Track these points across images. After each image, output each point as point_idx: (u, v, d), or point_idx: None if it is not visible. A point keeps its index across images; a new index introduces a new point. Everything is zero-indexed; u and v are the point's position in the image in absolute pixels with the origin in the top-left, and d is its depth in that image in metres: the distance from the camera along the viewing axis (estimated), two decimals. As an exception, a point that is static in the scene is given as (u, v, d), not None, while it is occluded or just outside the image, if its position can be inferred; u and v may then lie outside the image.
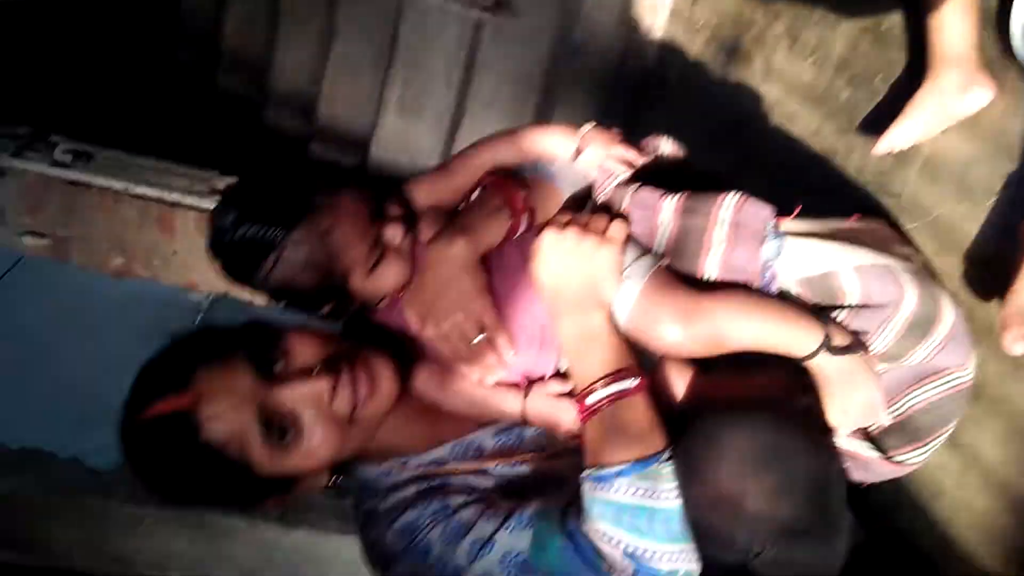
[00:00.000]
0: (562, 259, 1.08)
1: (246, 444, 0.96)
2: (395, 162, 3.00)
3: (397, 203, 1.21)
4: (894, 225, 1.35)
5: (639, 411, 1.00)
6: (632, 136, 1.29)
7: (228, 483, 0.98)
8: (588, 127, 1.26)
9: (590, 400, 1.02)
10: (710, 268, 1.12)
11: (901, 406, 1.17)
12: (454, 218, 1.18)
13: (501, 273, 1.16)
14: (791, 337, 1.03)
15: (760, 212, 1.11)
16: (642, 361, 1.08)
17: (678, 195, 1.15)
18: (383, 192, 1.20)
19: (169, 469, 0.98)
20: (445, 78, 2.90)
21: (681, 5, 2.36)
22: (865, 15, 1.51)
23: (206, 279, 3.05)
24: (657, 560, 0.92)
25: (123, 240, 3.00)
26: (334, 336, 1.11)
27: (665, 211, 1.14)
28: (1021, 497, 1.23)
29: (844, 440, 1.16)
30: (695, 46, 2.17)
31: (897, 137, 1.32)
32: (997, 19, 1.22)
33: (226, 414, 0.95)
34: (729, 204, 1.12)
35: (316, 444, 1.00)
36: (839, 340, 1.03)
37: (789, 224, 1.14)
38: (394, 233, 1.15)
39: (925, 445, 1.17)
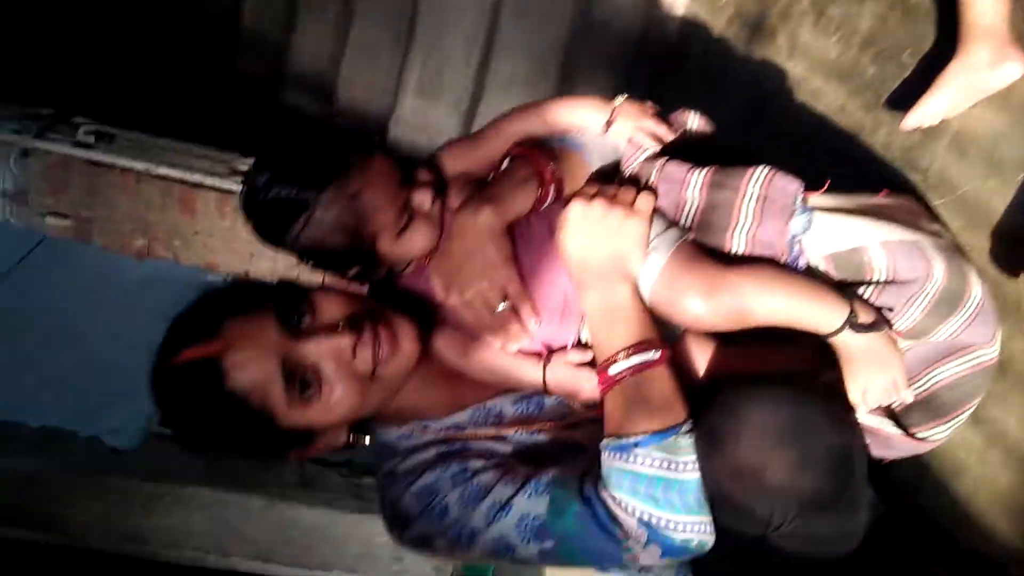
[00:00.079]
0: (589, 230, 1.08)
1: (269, 394, 0.99)
2: (414, 143, 3.00)
3: (427, 170, 1.22)
4: (922, 201, 1.34)
5: (661, 383, 1.01)
6: (657, 114, 1.28)
7: (250, 431, 1.01)
8: (621, 99, 1.26)
9: (612, 371, 1.03)
10: (737, 242, 1.12)
11: (925, 383, 1.17)
12: (482, 187, 1.19)
13: (527, 243, 1.17)
14: (816, 313, 1.03)
15: (789, 186, 1.11)
16: (665, 334, 1.08)
17: (706, 169, 1.14)
18: (413, 161, 1.21)
19: (195, 414, 1.01)
20: (464, 58, 2.89)
21: (703, -18, 2.34)
22: (893, -10, 1.50)
23: (227, 260, 3.07)
24: (670, 529, 0.93)
25: (145, 221, 3.02)
26: (360, 296, 1.15)
27: (693, 185, 1.14)
28: (1046, 474, 1.23)
29: (866, 416, 1.16)
30: (718, 23, 2.16)
31: (926, 112, 1.31)
32: (1029, -8, 1.21)
33: (251, 363, 0.98)
34: (758, 178, 1.11)
35: (336, 399, 1.02)
36: (864, 317, 1.03)
37: (817, 199, 1.14)
38: (423, 198, 1.16)
39: (948, 422, 1.17)
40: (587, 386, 1.13)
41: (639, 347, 1.03)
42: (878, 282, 1.09)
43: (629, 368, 1.02)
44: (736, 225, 1.11)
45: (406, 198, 1.14)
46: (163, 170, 2.91)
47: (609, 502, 0.95)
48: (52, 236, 3.21)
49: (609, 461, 0.97)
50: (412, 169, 1.19)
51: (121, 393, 4.01)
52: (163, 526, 3.74)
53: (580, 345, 1.17)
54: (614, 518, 0.95)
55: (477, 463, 1.06)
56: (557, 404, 1.17)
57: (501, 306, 1.12)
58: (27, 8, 3.37)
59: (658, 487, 0.93)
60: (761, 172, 1.12)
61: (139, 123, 3.05)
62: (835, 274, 1.11)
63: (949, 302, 1.09)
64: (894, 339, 1.07)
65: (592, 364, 1.11)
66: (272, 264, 2.85)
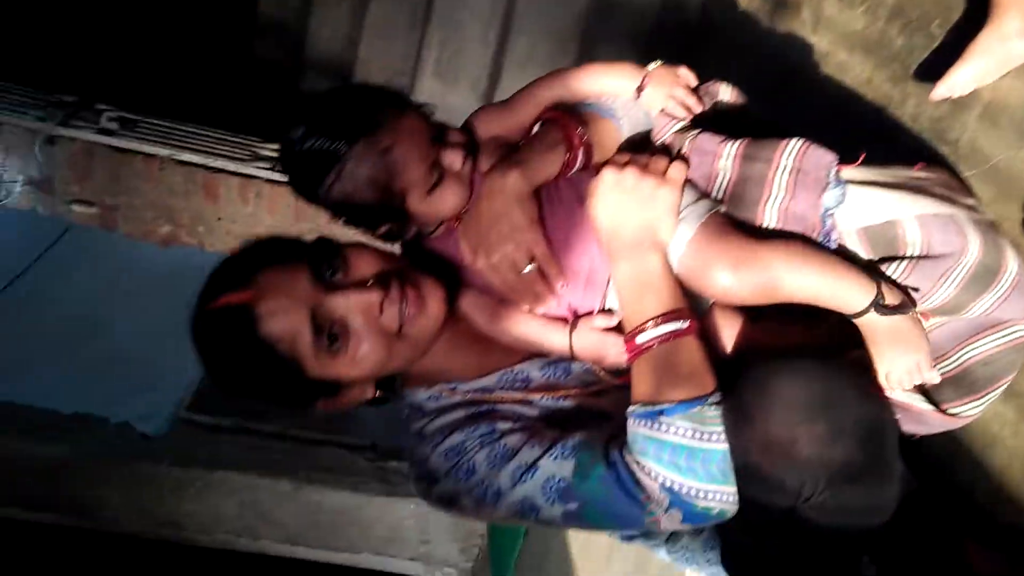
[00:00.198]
0: (620, 199, 1.08)
1: (297, 343, 1.02)
2: (433, 125, 3.00)
3: (459, 132, 1.23)
4: (957, 175, 1.32)
5: (689, 353, 1.02)
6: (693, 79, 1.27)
7: (279, 378, 1.04)
8: (654, 65, 1.25)
9: (640, 339, 1.04)
10: (769, 215, 1.10)
11: (958, 359, 1.15)
12: (512, 152, 1.19)
13: (556, 208, 1.17)
14: (843, 292, 1.02)
15: (823, 159, 1.09)
16: (693, 307, 1.08)
17: (739, 141, 1.13)
18: (446, 124, 1.22)
19: (228, 359, 1.05)
20: (481, 39, 2.88)
21: (724, -44, 2.30)
22: (921, -42, 1.47)
23: (250, 246, 3.08)
24: (692, 497, 0.94)
25: (169, 208, 3.05)
26: (392, 256, 1.16)
27: (725, 157, 1.13)
28: (1080, 448, 1.21)
29: (898, 392, 1.14)
30: (740, -3, 2.13)
31: (956, 82, 1.28)
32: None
33: (282, 312, 1.01)
34: (792, 150, 1.10)
35: (362, 353, 1.05)
36: (890, 299, 1.02)
37: (852, 172, 1.12)
38: (454, 158, 1.16)
39: (981, 398, 1.16)
40: (613, 352, 1.14)
41: (668, 316, 1.03)
42: (912, 257, 1.08)
43: (657, 337, 1.02)
44: (768, 198, 1.10)
45: (437, 156, 1.15)
46: (186, 156, 2.93)
47: (633, 467, 0.97)
48: (77, 224, 3.25)
49: (635, 427, 0.98)
50: (445, 130, 1.20)
51: (150, 380, 4.07)
52: (194, 511, 3.80)
53: (606, 312, 1.17)
54: (638, 482, 0.96)
55: (504, 425, 1.07)
56: (583, 371, 1.19)
57: (527, 268, 1.13)
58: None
59: (682, 455, 0.94)
60: (795, 144, 1.10)
61: (160, 109, 3.07)
62: (868, 248, 1.09)
63: (984, 277, 1.07)
64: (919, 321, 1.05)
65: (618, 330, 1.11)
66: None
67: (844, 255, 1.09)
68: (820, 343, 1.11)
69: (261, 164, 2.95)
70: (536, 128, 1.22)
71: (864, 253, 1.10)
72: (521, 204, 1.13)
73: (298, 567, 4.06)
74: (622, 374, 1.11)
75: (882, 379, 1.07)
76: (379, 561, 4.03)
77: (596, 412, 1.13)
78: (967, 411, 1.16)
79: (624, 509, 0.97)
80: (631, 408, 1.00)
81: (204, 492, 3.79)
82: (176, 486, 3.77)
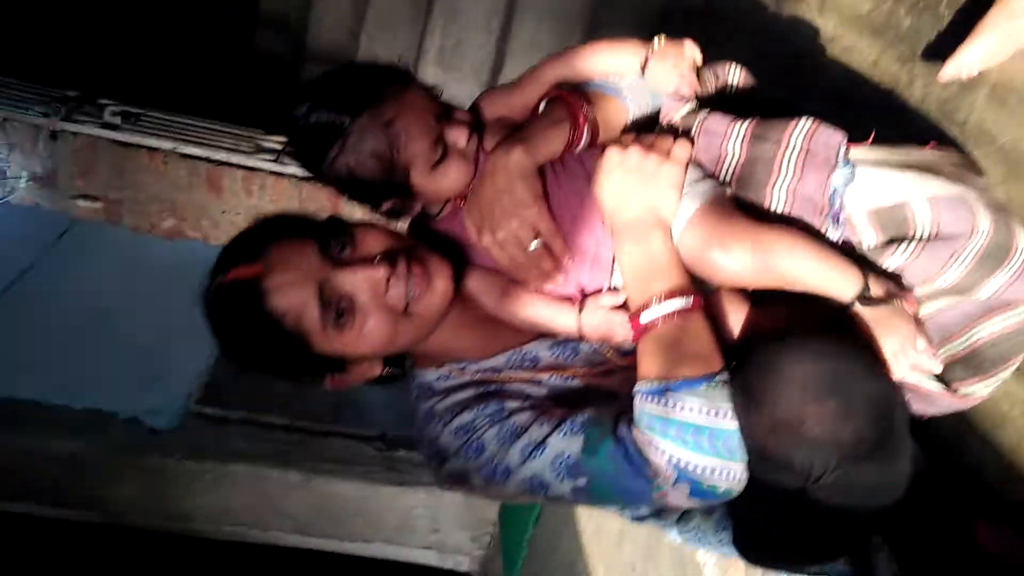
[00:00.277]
0: (624, 177, 1.09)
1: (304, 317, 1.04)
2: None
3: (465, 111, 1.23)
4: (968, 155, 1.32)
5: (694, 330, 1.02)
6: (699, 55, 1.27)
7: (286, 352, 1.06)
8: (659, 40, 1.25)
9: (645, 317, 1.04)
10: (777, 196, 1.10)
11: (967, 339, 1.15)
12: (516, 130, 1.20)
13: (562, 186, 1.18)
14: (833, 280, 1.03)
15: (832, 139, 1.09)
16: (700, 288, 1.08)
17: (747, 122, 1.13)
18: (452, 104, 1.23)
19: (237, 332, 1.07)
20: (484, 26, 2.87)
21: (728, -62, 2.29)
22: (927, -62, 1.46)
23: (255, 239, 3.08)
24: (698, 473, 0.95)
25: (173, 201, 3.05)
26: (400, 235, 1.17)
27: (734, 138, 1.13)
28: (1091, 426, 1.22)
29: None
30: (746, -20, 2.12)
31: (964, 62, 1.28)
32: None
33: (289, 287, 1.03)
34: (801, 130, 1.10)
35: (368, 329, 1.07)
36: (876, 290, 1.03)
37: (861, 153, 1.12)
38: (459, 135, 1.17)
39: (990, 378, 1.16)
40: (620, 330, 1.14)
41: (672, 294, 1.04)
42: (921, 238, 1.08)
43: (662, 315, 1.03)
44: (777, 179, 1.10)
45: (441, 132, 1.16)
46: (190, 149, 2.92)
47: (641, 442, 0.97)
48: (82, 219, 3.25)
49: (642, 404, 0.99)
50: (450, 109, 1.20)
51: (159, 374, 4.07)
52: (204, 503, 3.82)
53: (613, 290, 1.18)
54: (645, 457, 0.97)
55: (513, 403, 1.08)
56: (591, 351, 1.19)
57: (533, 244, 1.14)
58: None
59: (688, 431, 0.95)
60: (804, 124, 1.10)
61: (163, 103, 3.07)
62: (878, 229, 1.09)
63: (995, 257, 1.07)
64: (906, 311, 1.05)
65: (626, 308, 1.12)
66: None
67: (837, 247, 1.09)
68: (828, 321, 1.11)
69: (264, 156, 2.95)
70: (542, 106, 1.22)
71: (873, 234, 1.10)
72: (525, 180, 1.13)
73: (310, 558, 4.08)
74: (630, 354, 1.12)
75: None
76: (390, 550, 4.05)
77: (604, 391, 1.14)
78: (976, 391, 1.16)
79: (632, 484, 0.98)
80: (638, 385, 1.01)
81: (214, 485, 3.81)
82: (186, 479, 3.79)
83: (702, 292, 1.08)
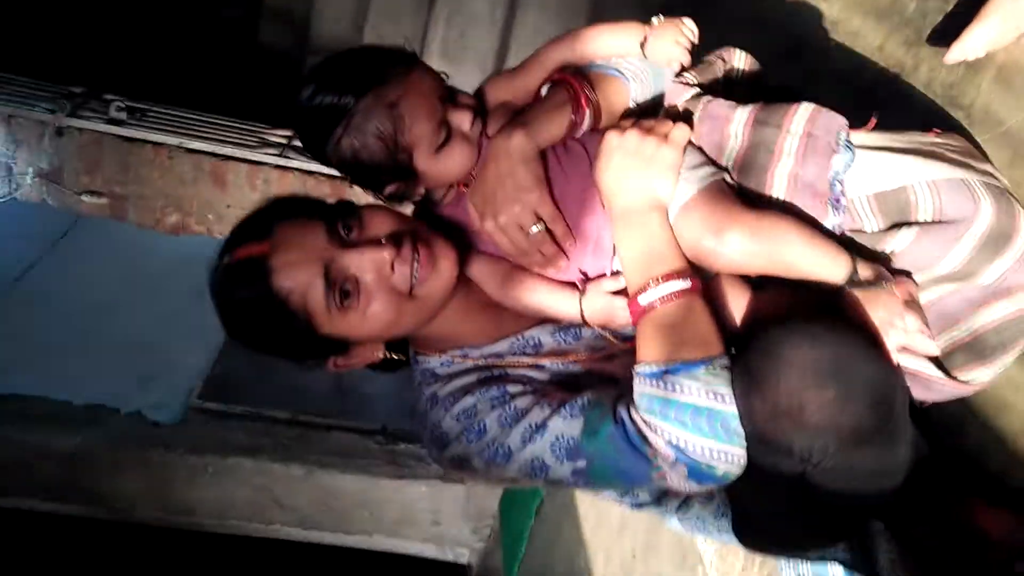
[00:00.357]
0: (622, 160, 1.09)
1: (309, 297, 1.04)
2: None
3: (469, 95, 1.23)
4: (973, 141, 1.31)
5: (693, 313, 1.02)
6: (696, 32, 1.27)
7: (291, 332, 1.06)
8: (658, 19, 1.25)
9: (643, 300, 1.04)
10: (779, 181, 1.10)
11: (969, 326, 1.14)
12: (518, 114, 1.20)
13: (565, 170, 1.18)
14: (824, 265, 1.03)
15: (833, 123, 1.09)
16: (699, 272, 1.08)
17: (750, 107, 1.13)
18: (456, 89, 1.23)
19: (243, 310, 1.07)
20: (488, 16, 2.87)
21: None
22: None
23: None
24: (697, 454, 0.95)
25: (178, 196, 3.06)
26: (407, 217, 1.17)
27: (736, 122, 1.13)
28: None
29: (906, 359, 1.14)
30: (750, -35, 2.11)
31: (969, 45, 1.27)
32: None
33: (295, 266, 1.03)
34: (803, 114, 1.10)
35: (372, 311, 1.07)
36: (865, 272, 1.03)
37: (862, 137, 1.12)
38: (462, 118, 1.16)
39: (992, 364, 1.15)
40: (622, 315, 1.14)
41: (670, 276, 1.04)
42: (923, 222, 1.07)
43: (660, 297, 1.03)
44: (778, 164, 1.10)
45: (445, 115, 1.15)
46: (195, 144, 2.93)
47: (640, 423, 0.97)
48: (87, 215, 3.26)
49: (641, 386, 0.99)
50: (454, 92, 1.20)
51: (162, 369, 4.08)
52: (207, 497, 3.83)
53: (615, 275, 1.18)
54: (645, 438, 0.97)
55: (515, 388, 1.09)
56: (593, 337, 1.20)
57: (535, 229, 1.14)
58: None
59: (687, 412, 0.95)
60: (806, 109, 1.10)
61: (167, 98, 3.08)
62: (879, 214, 1.09)
63: (996, 242, 1.06)
64: (895, 292, 1.04)
65: (626, 292, 1.12)
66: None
67: (828, 233, 1.09)
68: (828, 305, 1.11)
69: (269, 150, 2.96)
70: (544, 90, 1.22)
71: (875, 219, 1.09)
72: (527, 164, 1.13)
73: (311, 551, 4.09)
74: (631, 338, 1.12)
75: None
76: (392, 543, 4.06)
77: (606, 376, 1.14)
78: (978, 378, 1.15)
79: (631, 465, 0.99)
80: (637, 367, 1.01)
81: (217, 479, 3.82)
82: (189, 473, 3.80)
83: (701, 276, 1.08)
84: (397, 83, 1.11)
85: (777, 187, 1.11)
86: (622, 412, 1.00)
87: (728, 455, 0.95)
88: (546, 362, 1.16)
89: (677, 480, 0.98)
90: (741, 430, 0.95)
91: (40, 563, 3.96)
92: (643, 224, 1.08)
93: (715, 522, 1.28)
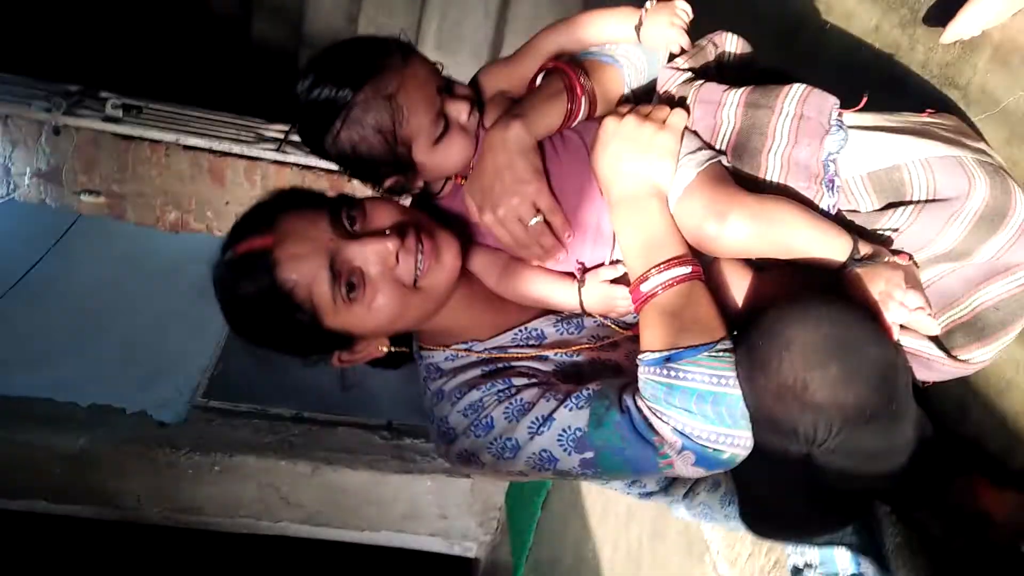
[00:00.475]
0: (620, 147, 1.08)
1: (315, 290, 1.03)
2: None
3: (465, 86, 1.23)
4: (967, 120, 1.30)
5: (695, 298, 1.02)
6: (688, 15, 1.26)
7: (296, 326, 1.05)
8: (651, 3, 1.24)
9: (645, 287, 1.04)
10: (772, 163, 1.10)
11: (969, 304, 1.14)
12: (514, 104, 1.19)
13: (562, 159, 1.17)
14: (825, 245, 1.03)
15: (825, 103, 1.09)
16: (699, 257, 1.08)
17: (742, 89, 1.12)
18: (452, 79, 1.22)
19: (247, 305, 1.06)
20: (482, 6, 2.86)
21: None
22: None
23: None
24: (703, 440, 0.95)
25: (176, 193, 3.06)
26: (409, 209, 1.17)
27: (729, 105, 1.12)
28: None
29: (907, 338, 1.13)
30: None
31: (965, 24, 1.26)
32: None
33: (300, 258, 1.02)
34: (794, 96, 1.09)
35: (379, 303, 1.06)
36: (865, 250, 1.03)
37: (855, 117, 1.11)
38: (460, 109, 1.16)
39: (992, 343, 1.14)
40: (622, 303, 1.14)
41: (671, 263, 1.03)
42: (918, 201, 1.07)
43: (662, 284, 1.03)
44: (771, 145, 1.09)
45: (443, 107, 1.15)
46: (192, 141, 2.93)
47: (646, 411, 0.97)
48: (86, 214, 3.26)
49: (645, 374, 0.99)
50: (451, 83, 1.19)
51: (165, 368, 4.09)
52: (214, 496, 3.85)
53: (613, 263, 1.17)
54: (651, 426, 0.97)
55: (520, 380, 1.09)
56: (596, 326, 1.20)
57: (533, 220, 1.13)
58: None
59: (692, 398, 0.94)
60: (797, 90, 1.10)
61: (161, 94, 3.07)
62: (874, 193, 1.08)
63: (992, 219, 1.05)
64: (896, 263, 1.04)
65: (626, 281, 1.11)
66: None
67: (826, 213, 1.08)
68: (828, 286, 1.10)
69: (266, 146, 2.96)
70: (539, 79, 1.22)
71: (869, 198, 1.09)
72: (524, 156, 1.12)
73: (318, 548, 4.10)
74: (634, 325, 1.12)
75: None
76: (399, 538, 4.07)
77: (610, 365, 1.14)
78: (978, 357, 1.15)
79: (638, 454, 0.98)
80: (641, 356, 1.00)
81: (223, 477, 3.83)
82: (195, 472, 3.82)
83: (701, 261, 1.08)
84: (394, 75, 1.11)
85: (771, 169, 1.10)
86: (627, 401, 1.00)
87: (734, 439, 0.95)
88: (550, 353, 1.15)
89: (684, 467, 0.97)
90: (746, 413, 0.95)
91: (49, 565, 3.99)
92: (642, 211, 1.08)
93: (722, 509, 1.28)
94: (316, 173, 2.92)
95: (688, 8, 1.24)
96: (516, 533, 3.75)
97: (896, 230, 1.08)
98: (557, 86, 1.16)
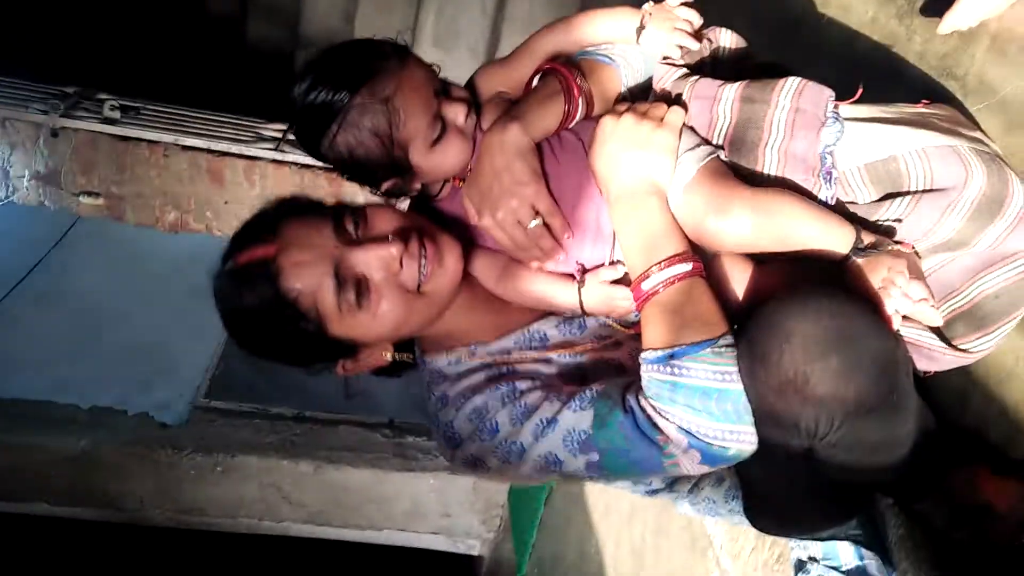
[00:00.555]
0: (618, 145, 1.08)
1: (320, 298, 1.03)
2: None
3: (462, 88, 1.23)
4: (963, 110, 1.30)
5: (696, 295, 1.02)
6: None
7: (300, 335, 1.05)
8: (649, 4, 1.24)
9: (646, 285, 1.04)
10: (769, 156, 1.10)
11: (968, 293, 1.14)
12: (512, 106, 1.19)
13: (560, 160, 1.17)
14: (829, 236, 1.03)
15: (820, 96, 1.09)
16: (700, 253, 1.08)
17: (737, 84, 1.12)
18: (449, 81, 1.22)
19: (251, 315, 1.05)
20: (479, 4, 2.86)
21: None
22: None
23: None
24: (708, 437, 0.95)
25: (176, 194, 3.06)
26: (410, 214, 1.17)
27: (724, 100, 1.13)
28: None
29: (907, 329, 1.13)
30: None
31: (962, 15, 1.26)
32: None
33: (305, 265, 1.02)
34: (789, 89, 1.09)
35: (384, 310, 1.06)
36: (869, 240, 1.03)
37: (851, 109, 1.12)
38: (457, 111, 1.16)
39: (993, 332, 1.15)
40: (622, 303, 1.14)
41: (672, 260, 1.03)
42: (915, 191, 1.07)
43: (663, 281, 1.02)
44: (768, 139, 1.09)
45: (440, 109, 1.15)
46: (190, 141, 2.93)
47: (650, 411, 0.97)
48: (85, 216, 3.26)
49: (648, 372, 0.98)
50: (448, 85, 1.19)
51: (166, 369, 4.10)
52: (216, 496, 3.85)
53: (613, 264, 1.17)
54: (655, 425, 0.96)
55: (524, 384, 1.08)
56: (599, 325, 1.19)
57: (532, 223, 1.13)
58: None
59: (696, 396, 0.94)
60: (792, 83, 1.10)
61: (158, 95, 3.07)
62: (871, 184, 1.09)
63: (990, 208, 1.05)
64: (900, 252, 1.04)
65: (626, 281, 1.11)
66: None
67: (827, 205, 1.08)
68: (828, 279, 1.10)
69: (264, 145, 2.95)
70: (536, 80, 1.21)
71: (867, 190, 1.09)
72: (522, 158, 1.12)
73: (321, 547, 4.10)
74: (636, 324, 1.11)
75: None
76: (402, 537, 4.07)
77: (614, 365, 1.14)
78: (979, 346, 1.15)
79: (644, 454, 0.98)
80: (643, 354, 1.00)
81: (225, 477, 3.84)
82: (197, 473, 3.82)
83: (702, 256, 1.08)
84: (391, 78, 1.10)
85: (768, 163, 1.10)
86: (631, 401, 0.99)
87: (740, 434, 0.95)
88: (553, 355, 1.15)
89: (690, 465, 0.97)
90: (750, 407, 0.95)
91: (52, 568, 3.99)
92: (642, 209, 1.07)
93: (726, 504, 1.28)
94: (315, 172, 2.92)
95: (693, 16, 1.23)
96: (519, 530, 3.75)
97: (895, 220, 1.08)
98: (554, 87, 1.16)
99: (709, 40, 1.27)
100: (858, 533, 1.33)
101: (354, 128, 1.10)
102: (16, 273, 4.29)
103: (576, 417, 1.01)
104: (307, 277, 1.02)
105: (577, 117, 1.17)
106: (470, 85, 1.27)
